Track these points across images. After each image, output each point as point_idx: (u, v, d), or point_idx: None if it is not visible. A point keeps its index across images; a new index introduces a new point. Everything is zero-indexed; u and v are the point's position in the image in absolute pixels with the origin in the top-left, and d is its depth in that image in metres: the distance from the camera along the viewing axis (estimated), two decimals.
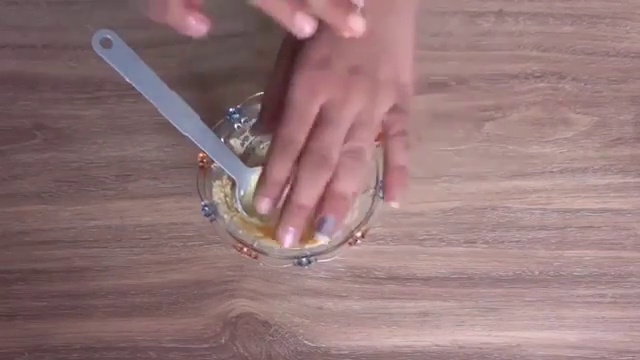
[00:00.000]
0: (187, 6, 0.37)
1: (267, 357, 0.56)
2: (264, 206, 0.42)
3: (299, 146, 0.41)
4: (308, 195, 0.41)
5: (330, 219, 0.41)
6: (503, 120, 0.59)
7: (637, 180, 0.58)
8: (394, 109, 0.44)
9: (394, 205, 0.44)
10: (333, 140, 0.41)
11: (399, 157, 0.44)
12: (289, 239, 0.41)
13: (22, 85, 0.59)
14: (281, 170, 0.41)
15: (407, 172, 0.45)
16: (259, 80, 0.57)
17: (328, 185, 0.41)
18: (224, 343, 0.56)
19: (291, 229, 0.41)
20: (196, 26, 0.38)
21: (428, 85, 0.59)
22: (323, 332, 0.56)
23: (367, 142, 0.42)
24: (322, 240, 0.42)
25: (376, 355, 0.56)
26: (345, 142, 0.42)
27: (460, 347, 0.56)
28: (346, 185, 0.41)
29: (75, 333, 0.56)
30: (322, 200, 0.41)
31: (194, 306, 0.56)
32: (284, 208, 0.41)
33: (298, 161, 0.42)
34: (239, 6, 0.58)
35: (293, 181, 0.41)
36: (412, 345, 0.56)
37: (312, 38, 0.39)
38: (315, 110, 0.42)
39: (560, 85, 0.60)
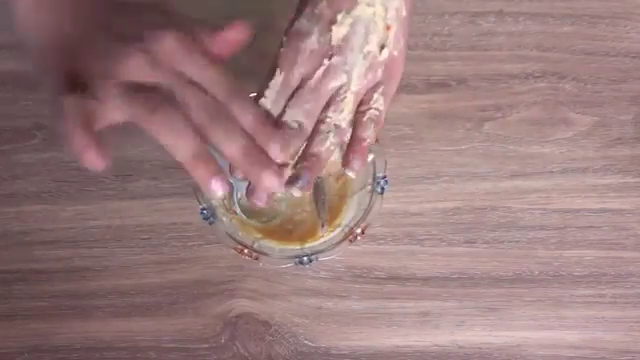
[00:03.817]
0: (88, 136, 0.36)
1: (267, 357, 0.55)
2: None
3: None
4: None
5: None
6: (503, 120, 0.59)
7: (637, 180, 0.58)
8: (377, 87, 0.44)
9: (351, 174, 0.44)
10: (312, 109, 0.42)
11: (363, 131, 0.44)
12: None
13: (22, 85, 0.59)
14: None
15: (367, 147, 0.44)
16: (259, 80, 0.57)
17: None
18: (224, 343, 0.56)
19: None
20: (92, 162, 0.37)
21: (428, 85, 0.59)
22: (323, 332, 0.56)
23: (347, 113, 0.43)
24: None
25: (376, 355, 0.56)
26: (325, 111, 0.43)
27: (460, 347, 0.56)
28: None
29: (75, 333, 0.56)
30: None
31: (194, 306, 0.56)
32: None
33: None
34: (239, 6, 0.58)
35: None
36: (412, 345, 0.56)
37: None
38: (296, 81, 0.43)
39: (560, 85, 0.60)
